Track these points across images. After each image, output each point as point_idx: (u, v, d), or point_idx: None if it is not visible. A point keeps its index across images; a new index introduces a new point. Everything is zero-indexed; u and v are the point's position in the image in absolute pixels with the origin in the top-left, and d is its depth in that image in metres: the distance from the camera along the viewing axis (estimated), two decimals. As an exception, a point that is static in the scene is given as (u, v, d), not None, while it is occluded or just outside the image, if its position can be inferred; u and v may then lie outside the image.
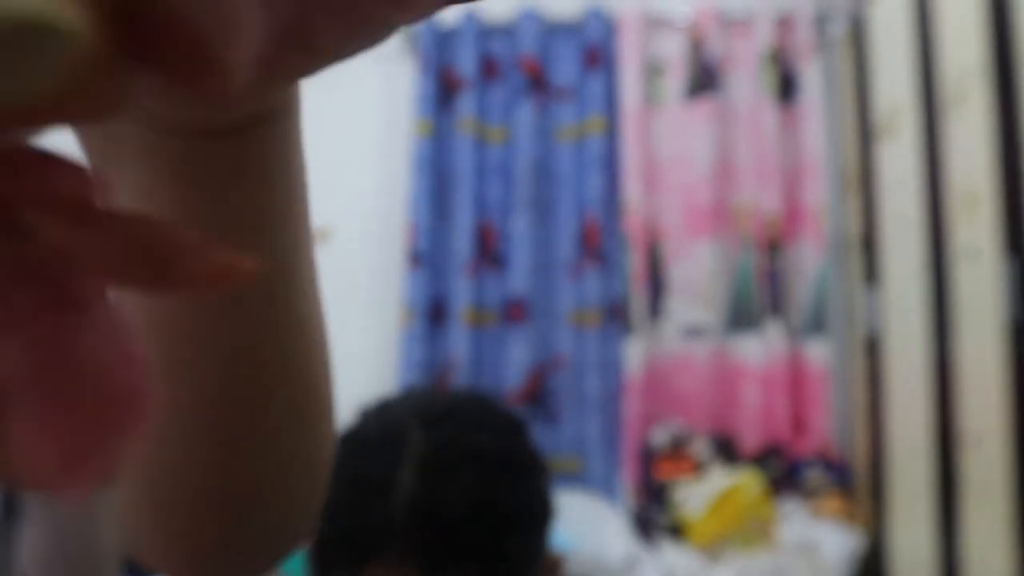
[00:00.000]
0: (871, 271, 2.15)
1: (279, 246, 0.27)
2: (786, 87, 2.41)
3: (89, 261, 0.13)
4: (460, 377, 2.35)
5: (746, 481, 2.06)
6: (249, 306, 0.28)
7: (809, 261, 2.33)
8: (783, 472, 2.21)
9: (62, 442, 0.12)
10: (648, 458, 2.25)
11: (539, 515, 0.70)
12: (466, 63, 2.47)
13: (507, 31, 2.51)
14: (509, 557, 0.66)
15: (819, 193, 2.34)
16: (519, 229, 2.42)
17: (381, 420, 0.71)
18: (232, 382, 0.29)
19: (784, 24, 2.42)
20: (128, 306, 0.24)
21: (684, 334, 2.37)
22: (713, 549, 1.99)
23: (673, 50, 2.45)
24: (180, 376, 0.28)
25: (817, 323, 2.31)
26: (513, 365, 2.39)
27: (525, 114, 2.47)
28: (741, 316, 2.35)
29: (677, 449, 2.23)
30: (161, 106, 0.21)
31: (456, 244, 2.44)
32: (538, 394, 2.39)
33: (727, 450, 2.24)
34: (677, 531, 2.06)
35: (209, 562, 0.34)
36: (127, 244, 0.13)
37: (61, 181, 0.13)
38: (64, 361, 0.13)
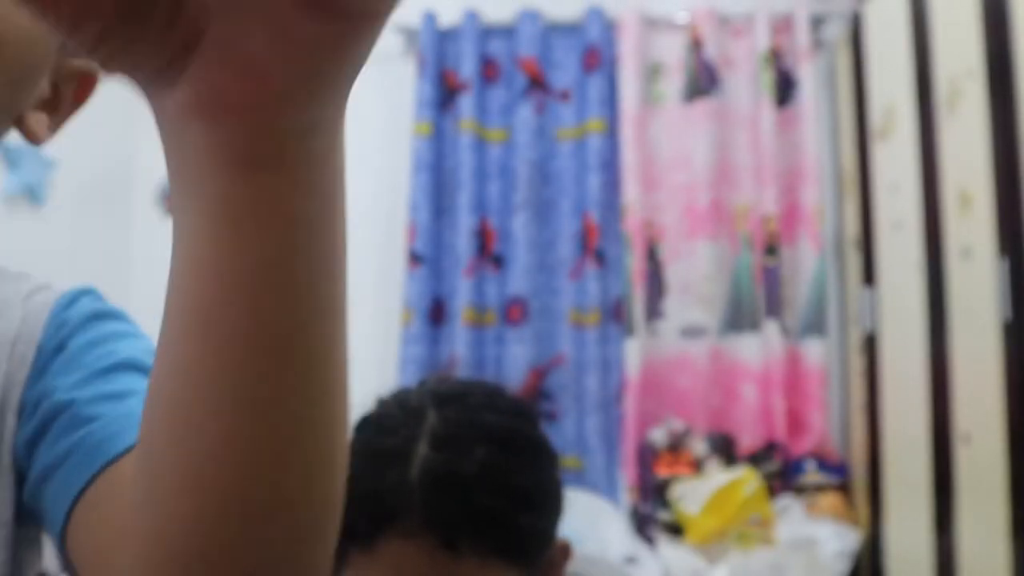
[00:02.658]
0: (868, 271, 2.16)
1: (321, 287, 0.30)
2: (784, 88, 2.43)
3: None
4: (460, 377, 2.36)
5: (744, 479, 2.07)
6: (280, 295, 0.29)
7: (806, 261, 2.35)
8: (781, 470, 2.23)
9: None
10: (647, 457, 2.26)
11: (551, 498, 0.72)
12: (466, 64, 2.49)
13: (507, 32, 2.52)
14: (522, 534, 0.68)
15: (816, 194, 2.36)
16: (519, 229, 2.44)
17: (397, 401, 0.74)
18: (252, 351, 0.30)
19: (782, 25, 2.43)
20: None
21: (683, 334, 2.38)
22: (711, 546, 2.00)
23: (672, 51, 2.47)
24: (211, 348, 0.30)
25: (814, 323, 2.33)
26: (513, 365, 2.40)
27: (525, 115, 2.48)
28: (739, 316, 2.36)
29: (676, 448, 2.25)
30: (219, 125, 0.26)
31: (456, 244, 2.46)
32: (538, 394, 2.40)
33: (725, 449, 2.25)
34: (676, 529, 2.08)
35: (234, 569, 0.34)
36: None
37: None
38: None
